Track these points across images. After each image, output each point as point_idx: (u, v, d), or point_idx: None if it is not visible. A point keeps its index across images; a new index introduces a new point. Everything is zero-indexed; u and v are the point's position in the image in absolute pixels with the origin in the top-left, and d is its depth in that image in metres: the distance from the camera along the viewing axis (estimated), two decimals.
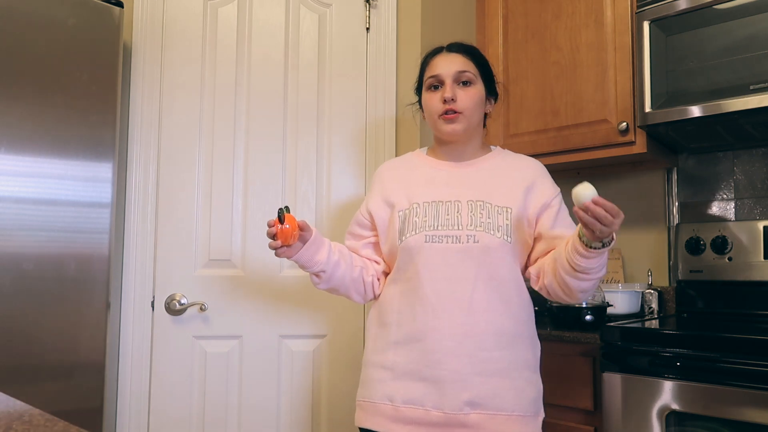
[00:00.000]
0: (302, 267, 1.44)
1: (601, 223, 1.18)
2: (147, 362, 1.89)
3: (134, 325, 1.88)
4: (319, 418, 1.98)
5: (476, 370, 1.35)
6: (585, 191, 1.18)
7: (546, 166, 2.09)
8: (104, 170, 1.72)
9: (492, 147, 1.57)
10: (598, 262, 1.29)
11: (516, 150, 2.15)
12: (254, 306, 1.96)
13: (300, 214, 2.01)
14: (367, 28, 2.10)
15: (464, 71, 1.45)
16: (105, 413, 1.69)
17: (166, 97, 1.96)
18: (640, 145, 1.91)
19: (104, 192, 1.71)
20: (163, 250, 1.92)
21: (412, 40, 2.10)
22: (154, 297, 1.91)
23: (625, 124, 1.90)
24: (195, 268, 1.94)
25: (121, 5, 1.76)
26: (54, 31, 1.64)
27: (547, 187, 1.49)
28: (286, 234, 1.33)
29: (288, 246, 1.37)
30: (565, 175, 2.31)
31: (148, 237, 1.91)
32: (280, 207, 1.45)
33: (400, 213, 1.45)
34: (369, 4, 2.10)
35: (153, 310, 1.91)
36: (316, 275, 1.46)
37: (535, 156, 2.11)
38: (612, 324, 1.66)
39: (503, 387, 1.36)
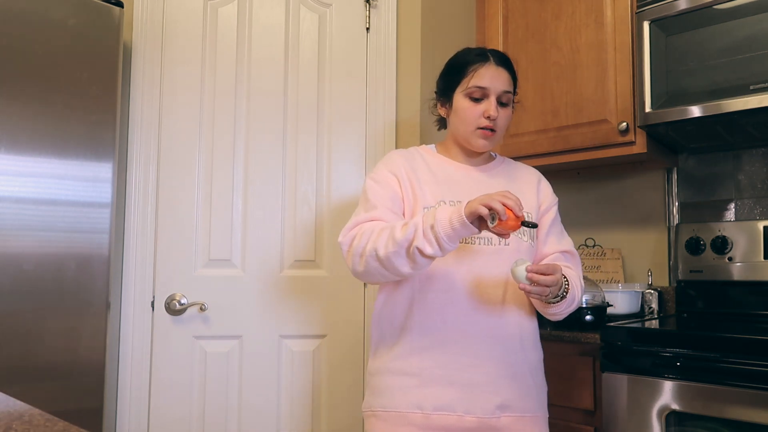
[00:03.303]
0: (452, 240, 1.23)
1: (547, 286, 1.25)
2: (147, 362, 1.88)
3: (134, 325, 1.88)
4: (319, 418, 1.98)
5: (506, 373, 1.36)
6: (519, 268, 1.25)
7: (546, 166, 2.12)
8: (104, 170, 1.71)
9: (492, 153, 1.57)
10: (563, 306, 1.37)
11: (516, 150, 2.16)
12: (254, 306, 1.96)
13: (300, 214, 2.01)
14: (367, 28, 2.10)
15: (508, 92, 1.44)
16: (105, 413, 1.69)
17: (166, 97, 1.96)
18: (640, 145, 1.91)
19: (104, 192, 1.71)
20: (163, 250, 1.92)
21: (412, 40, 2.10)
22: (154, 297, 1.91)
23: (625, 124, 1.90)
24: (195, 268, 1.94)
25: (121, 5, 1.76)
26: (54, 31, 1.64)
27: (549, 194, 1.54)
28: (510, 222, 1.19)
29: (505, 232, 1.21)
30: (565, 175, 2.31)
31: (148, 237, 1.91)
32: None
33: (426, 210, 1.38)
34: (369, 4, 2.10)
35: (153, 310, 1.91)
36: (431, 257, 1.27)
37: (535, 156, 2.13)
38: (612, 324, 1.66)
39: (528, 388, 1.38)
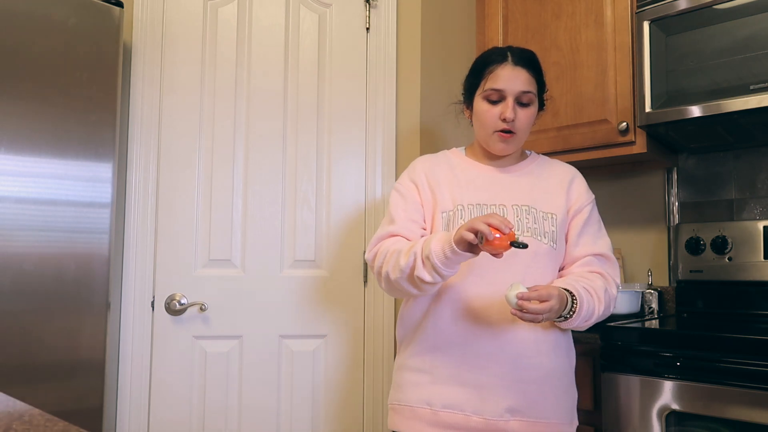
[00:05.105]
0: (449, 266, 1.26)
1: (539, 313, 1.22)
2: (147, 362, 1.88)
3: (134, 325, 1.88)
4: (319, 418, 1.98)
5: (518, 377, 1.34)
6: (510, 293, 1.22)
7: None
8: (104, 170, 1.72)
9: (527, 152, 1.55)
10: (575, 323, 1.33)
11: None
12: (254, 306, 1.96)
13: (300, 214, 2.01)
14: (367, 28, 2.10)
15: (527, 92, 1.40)
16: (105, 413, 1.69)
17: (166, 97, 1.96)
18: (640, 145, 1.91)
19: (104, 192, 1.71)
20: (163, 250, 1.92)
21: (412, 40, 2.10)
22: (154, 297, 1.91)
23: (625, 124, 1.90)
24: (195, 268, 1.94)
25: (121, 5, 1.76)
26: (54, 31, 1.64)
27: (582, 192, 1.49)
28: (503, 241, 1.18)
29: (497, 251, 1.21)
30: None
31: (148, 237, 1.91)
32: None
33: (444, 214, 1.40)
34: (369, 4, 2.10)
35: (153, 310, 1.91)
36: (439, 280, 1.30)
37: None
38: (612, 324, 1.66)
39: (543, 394, 1.35)
